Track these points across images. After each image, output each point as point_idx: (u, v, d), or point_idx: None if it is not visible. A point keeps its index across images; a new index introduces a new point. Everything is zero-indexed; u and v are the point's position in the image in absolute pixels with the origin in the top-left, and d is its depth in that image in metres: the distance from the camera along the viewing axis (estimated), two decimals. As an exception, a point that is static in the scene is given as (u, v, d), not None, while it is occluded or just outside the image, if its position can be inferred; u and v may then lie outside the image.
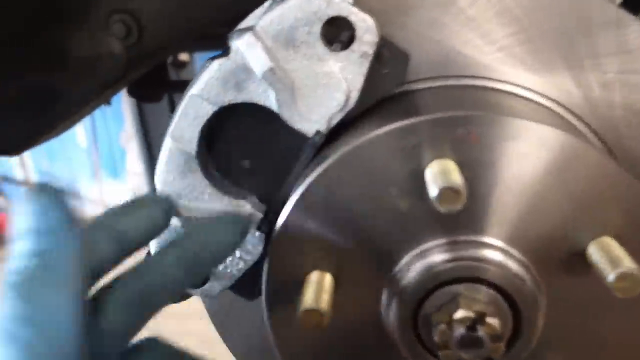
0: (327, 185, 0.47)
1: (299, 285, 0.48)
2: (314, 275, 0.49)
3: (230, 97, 0.51)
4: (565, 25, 0.51)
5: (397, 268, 0.49)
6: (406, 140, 0.46)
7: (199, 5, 0.97)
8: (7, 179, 4.14)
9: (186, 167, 0.53)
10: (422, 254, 0.48)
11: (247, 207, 0.54)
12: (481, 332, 0.44)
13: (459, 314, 0.45)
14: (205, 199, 0.54)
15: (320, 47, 0.49)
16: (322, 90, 0.50)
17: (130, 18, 1.03)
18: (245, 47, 0.49)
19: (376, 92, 0.52)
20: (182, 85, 0.63)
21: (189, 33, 1.01)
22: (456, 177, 0.42)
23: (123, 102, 3.57)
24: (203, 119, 0.52)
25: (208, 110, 0.51)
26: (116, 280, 0.43)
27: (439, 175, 0.43)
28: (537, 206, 0.46)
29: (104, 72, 1.12)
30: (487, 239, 0.47)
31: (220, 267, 0.55)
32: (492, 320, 0.45)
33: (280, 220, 0.49)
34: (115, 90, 1.20)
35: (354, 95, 0.50)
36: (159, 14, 1.04)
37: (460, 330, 0.45)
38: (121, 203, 0.46)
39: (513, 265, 0.46)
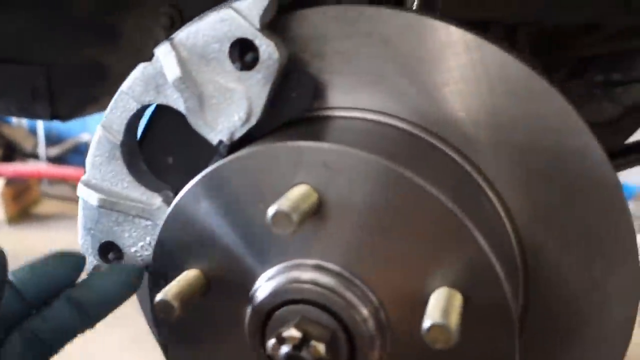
0: (207, 189, 0.51)
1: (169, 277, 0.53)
2: (187, 272, 0.53)
3: (151, 98, 0.56)
4: None
5: (257, 281, 0.51)
6: (279, 160, 0.49)
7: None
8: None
9: (111, 154, 0.59)
10: (281, 271, 0.50)
11: (157, 200, 0.59)
12: (305, 353, 0.47)
13: (288, 332, 0.47)
14: (124, 186, 0.60)
15: (227, 65, 0.53)
16: (226, 105, 0.54)
17: (174, 11, 1.12)
18: (162, 55, 0.54)
19: (282, 114, 0.55)
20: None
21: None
22: (293, 202, 0.45)
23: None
24: (129, 114, 0.57)
25: (133, 106, 0.57)
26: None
27: (282, 198, 0.46)
28: (386, 242, 0.47)
29: (149, 57, 1.22)
30: (333, 266, 0.49)
31: (132, 249, 0.61)
32: (318, 345, 0.47)
33: (167, 214, 0.54)
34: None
35: (256, 113, 0.54)
36: (201, 9, 1.12)
37: (286, 348, 0.47)
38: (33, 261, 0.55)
39: (351, 297, 0.48)
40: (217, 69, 0.53)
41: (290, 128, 0.55)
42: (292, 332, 0.47)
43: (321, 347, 0.47)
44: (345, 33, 0.54)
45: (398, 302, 0.48)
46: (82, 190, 0.61)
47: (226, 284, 0.53)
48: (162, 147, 0.61)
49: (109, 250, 0.62)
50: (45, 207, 4.09)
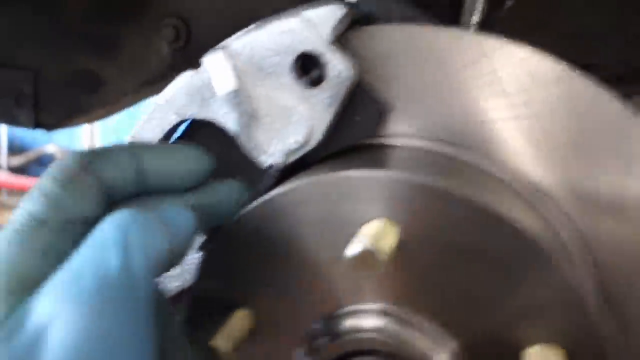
0: (265, 218, 0.45)
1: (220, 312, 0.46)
2: (235, 313, 0.46)
3: (193, 112, 0.50)
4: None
5: (317, 324, 0.45)
6: (351, 190, 0.43)
7: (251, 22, 0.99)
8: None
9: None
10: (356, 314, 0.45)
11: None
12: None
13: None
14: (151, 209, 0.52)
15: (288, 81, 0.47)
16: (282, 125, 0.48)
17: (181, 23, 1.06)
18: (214, 64, 0.48)
19: (344, 139, 0.49)
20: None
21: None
22: (382, 242, 0.39)
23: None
24: (166, 127, 0.51)
25: (171, 120, 0.50)
26: None
27: (364, 236, 0.40)
28: (486, 299, 0.42)
29: (148, 70, 1.15)
30: (428, 323, 0.43)
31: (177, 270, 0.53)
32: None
33: (211, 245, 0.47)
34: (153, 90, 1.23)
35: (316, 137, 0.48)
36: (210, 23, 1.06)
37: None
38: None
39: (429, 347, 0.42)
40: (276, 84, 0.47)
41: (349, 155, 0.50)
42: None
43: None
44: (415, 56, 0.49)
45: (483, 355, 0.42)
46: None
47: (276, 328, 0.47)
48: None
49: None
50: (4, 218, 3.90)
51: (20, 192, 4.04)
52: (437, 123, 0.50)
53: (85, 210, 0.40)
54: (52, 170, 0.41)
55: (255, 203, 0.45)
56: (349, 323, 0.45)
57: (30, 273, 0.36)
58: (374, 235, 0.40)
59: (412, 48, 0.49)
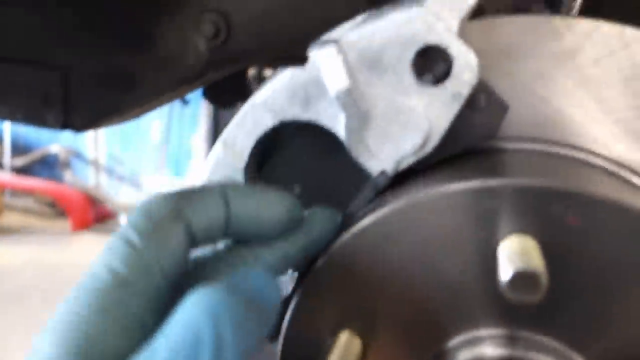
0: (378, 236, 0.40)
1: (321, 341, 0.41)
2: (343, 338, 0.42)
3: (295, 113, 0.45)
4: None
5: (438, 350, 0.41)
6: (483, 204, 0.38)
7: (295, 21, 0.94)
8: (77, 155, 4.27)
9: (232, 179, 0.47)
10: (474, 342, 0.40)
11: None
12: None
13: None
14: (243, 219, 0.48)
15: (407, 77, 0.42)
16: (398, 127, 0.43)
17: (221, 19, 1.01)
18: (324, 60, 0.43)
19: (460, 142, 0.45)
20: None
21: (278, 47, 0.98)
22: (537, 262, 0.34)
23: (201, 107, 3.63)
24: (260, 131, 0.46)
25: (268, 122, 0.46)
26: None
27: (517, 255, 0.35)
28: (628, 316, 0.37)
29: (184, 68, 1.10)
30: (554, 343, 0.39)
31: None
32: None
33: (317, 263, 0.42)
34: (191, 88, 1.18)
35: (434, 140, 0.43)
36: (252, 20, 1.02)
37: None
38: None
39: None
40: (393, 82, 0.43)
41: (462, 162, 0.45)
42: None
43: None
44: (543, 50, 0.45)
45: None
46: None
47: (388, 354, 0.42)
48: (287, 174, 0.50)
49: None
50: (7, 219, 3.84)
51: (23, 193, 3.98)
52: (557, 123, 0.45)
53: (171, 265, 0.36)
54: (139, 218, 0.36)
55: (372, 216, 0.40)
56: (468, 354, 0.40)
57: (110, 350, 0.32)
58: (529, 254, 0.35)
59: (543, 39, 0.44)
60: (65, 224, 3.75)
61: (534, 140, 0.46)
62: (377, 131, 0.44)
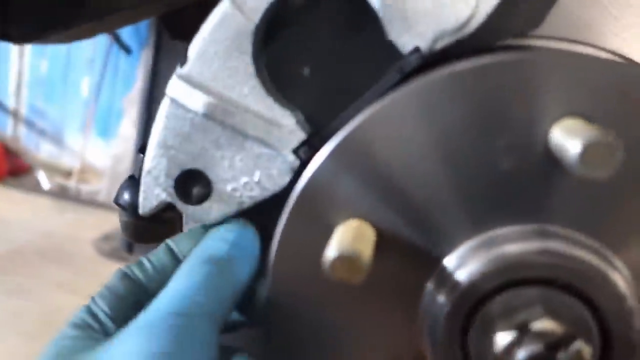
0: (385, 126, 0.36)
1: (326, 235, 0.36)
2: (354, 222, 0.37)
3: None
4: None
5: (456, 252, 0.37)
6: (522, 78, 0.34)
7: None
8: (-3, 104, 3.97)
9: (236, 43, 0.41)
10: (496, 240, 0.36)
11: (290, 120, 0.42)
12: (562, 356, 0.32)
13: (541, 324, 0.32)
14: (244, 93, 0.42)
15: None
16: (440, -1, 0.39)
17: None
18: None
19: (503, 31, 0.41)
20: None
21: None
22: (606, 134, 0.31)
23: (140, 63, 3.46)
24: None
25: (275, -8, 0.40)
26: None
27: (582, 130, 0.31)
28: None
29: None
30: (588, 240, 0.35)
31: (229, 186, 0.43)
32: (583, 347, 0.32)
33: (315, 163, 0.38)
34: (152, 10, 1.09)
35: (479, 18, 0.39)
36: None
37: (533, 347, 0.32)
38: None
39: (622, 285, 0.34)
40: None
41: (495, 51, 0.41)
42: (549, 325, 0.32)
43: (587, 351, 0.32)
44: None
45: None
46: (176, 89, 0.42)
47: (403, 246, 0.37)
48: (299, 52, 0.44)
49: (192, 182, 0.43)
50: None
51: None
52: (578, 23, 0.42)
53: None
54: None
55: (380, 103, 0.36)
56: (491, 254, 0.36)
57: None
58: (590, 129, 0.31)
59: None
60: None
61: (556, 39, 0.43)
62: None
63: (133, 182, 0.45)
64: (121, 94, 3.72)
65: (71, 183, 3.61)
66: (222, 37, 0.41)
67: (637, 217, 0.35)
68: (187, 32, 1.32)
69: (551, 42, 0.43)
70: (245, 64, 0.41)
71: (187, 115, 0.42)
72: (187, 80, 0.42)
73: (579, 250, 0.34)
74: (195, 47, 0.42)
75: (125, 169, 3.46)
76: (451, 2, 0.38)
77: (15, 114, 4.02)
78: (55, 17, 1.03)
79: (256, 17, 0.40)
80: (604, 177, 0.30)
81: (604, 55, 0.42)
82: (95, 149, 3.83)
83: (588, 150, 0.29)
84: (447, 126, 0.36)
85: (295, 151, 0.42)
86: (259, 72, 0.42)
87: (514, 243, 0.36)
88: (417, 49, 0.39)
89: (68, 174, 3.71)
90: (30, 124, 4.02)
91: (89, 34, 1.08)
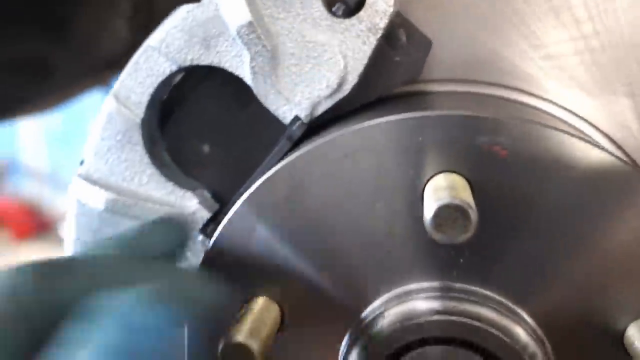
0: (290, 186, 0.36)
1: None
2: (260, 301, 0.37)
3: (195, 56, 0.40)
4: None
5: (368, 309, 0.36)
6: (405, 141, 0.34)
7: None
8: (14, 164, 4.07)
9: (126, 137, 0.42)
10: (404, 297, 0.36)
11: (192, 201, 0.42)
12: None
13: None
14: (143, 182, 0.42)
15: (318, 8, 0.38)
16: (311, 66, 0.39)
17: (140, -3, 0.95)
18: (222, -8, 0.38)
19: (381, 85, 0.40)
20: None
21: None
22: (464, 195, 0.30)
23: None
24: (157, 79, 0.41)
25: (165, 68, 0.40)
26: None
27: (443, 190, 0.31)
28: (571, 261, 0.34)
29: (104, 52, 1.02)
30: (492, 294, 0.35)
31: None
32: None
33: (221, 227, 0.37)
34: (115, 73, 1.11)
35: (351, 80, 0.38)
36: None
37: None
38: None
39: (523, 335, 0.33)
40: (301, 14, 0.38)
41: (384, 104, 0.41)
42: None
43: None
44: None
45: (576, 337, 0.34)
46: (79, 188, 0.42)
47: (311, 317, 0.37)
48: (195, 131, 0.44)
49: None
50: None
51: None
52: (482, 61, 0.42)
53: None
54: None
55: (281, 163, 0.36)
56: (398, 311, 0.36)
57: None
58: (459, 188, 0.31)
59: None
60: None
61: (459, 81, 0.42)
62: (288, 71, 0.39)
63: None
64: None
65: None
66: (112, 133, 0.42)
67: (535, 268, 0.34)
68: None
69: (454, 86, 0.42)
70: (139, 155, 0.42)
71: (93, 212, 0.42)
72: (87, 178, 0.42)
73: (478, 307, 0.34)
74: (90, 146, 0.42)
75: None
76: (319, 69, 0.38)
77: (36, 173, 4.12)
78: (19, 94, 1.05)
79: (140, 110, 0.41)
80: (456, 242, 0.29)
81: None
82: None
83: (440, 212, 0.29)
84: (343, 190, 0.36)
85: (204, 230, 0.42)
86: (154, 159, 0.42)
87: (420, 301, 0.35)
88: (297, 118, 0.39)
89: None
90: (51, 180, 4.11)
91: (59, 102, 1.10)
